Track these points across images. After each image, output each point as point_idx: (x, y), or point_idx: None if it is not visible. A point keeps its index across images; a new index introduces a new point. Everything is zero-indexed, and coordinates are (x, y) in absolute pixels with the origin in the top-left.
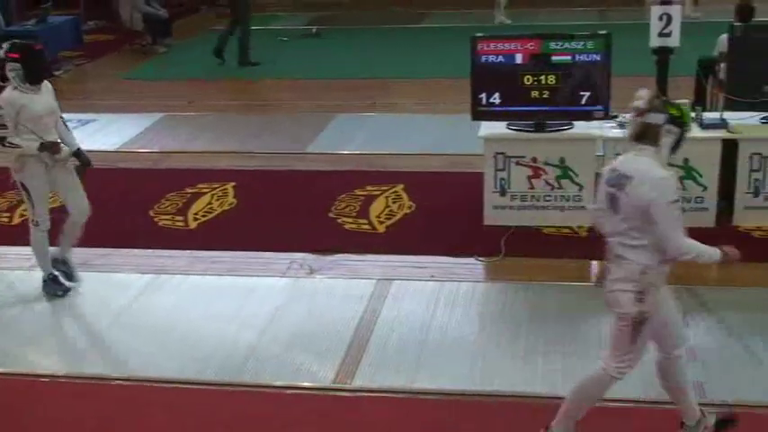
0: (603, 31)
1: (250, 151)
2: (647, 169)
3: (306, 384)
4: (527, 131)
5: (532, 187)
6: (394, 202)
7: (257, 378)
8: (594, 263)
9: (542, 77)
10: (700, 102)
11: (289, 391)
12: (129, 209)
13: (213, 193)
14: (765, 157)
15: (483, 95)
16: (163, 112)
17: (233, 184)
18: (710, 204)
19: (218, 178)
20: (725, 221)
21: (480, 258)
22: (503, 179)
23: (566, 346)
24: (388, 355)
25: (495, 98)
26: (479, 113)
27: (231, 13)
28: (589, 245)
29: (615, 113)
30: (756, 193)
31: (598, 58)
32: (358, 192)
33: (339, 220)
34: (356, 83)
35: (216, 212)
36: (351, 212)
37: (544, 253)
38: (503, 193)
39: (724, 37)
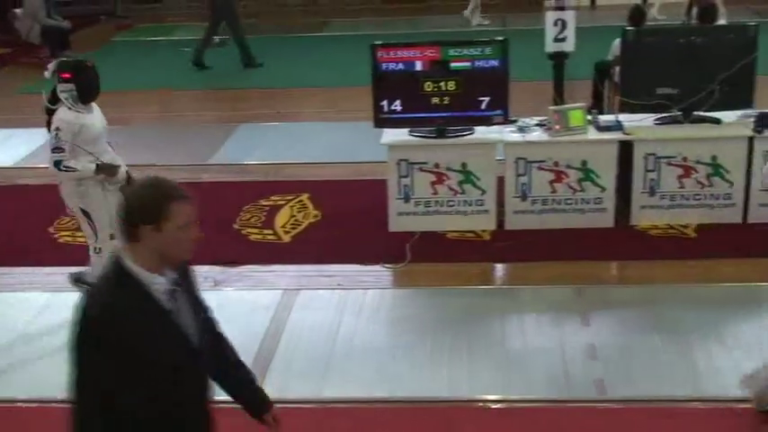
0: (501, 38)
1: (152, 164)
2: None
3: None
4: (429, 138)
5: (436, 193)
6: (299, 212)
7: None
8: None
9: (442, 84)
10: (597, 105)
11: None
12: (29, 226)
13: None
14: (660, 158)
15: (385, 103)
16: None
17: None
18: (609, 205)
19: None
20: (623, 221)
21: (386, 265)
22: (406, 185)
23: (471, 349)
24: (295, 364)
25: (397, 105)
26: (382, 121)
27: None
28: (492, 248)
29: (515, 118)
30: (652, 193)
31: (496, 64)
32: (263, 202)
33: (244, 232)
34: (259, 92)
35: None
36: (256, 223)
37: (449, 257)
38: (407, 199)
39: (617, 41)
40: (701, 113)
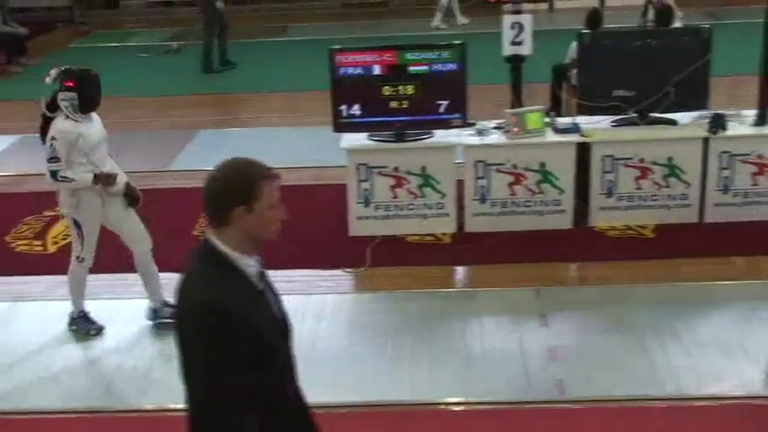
0: (458, 41)
1: None
2: None
3: (172, 406)
4: (388, 142)
5: (395, 197)
6: None
7: (124, 402)
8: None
9: (401, 88)
10: (555, 107)
11: (156, 414)
12: None
13: None
14: (617, 160)
15: (343, 107)
16: (20, 134)
17: None
18: (568, 206)
19: None
20: (581, 222)
21: (347, 270)
22: (366, 190)
23: (432, 352)
24: None
25: (356, 110)
26: (341, 125)
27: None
28: (452, 251)
29: (473, 121)
30: (609, 194)
31: (454, 68)
32: None
33: (203, 238)
34: (219, 97)
35: None
36: None
37: (409, 261)
38: (366, 203)
39: (575, 44)
40: (657, 115)
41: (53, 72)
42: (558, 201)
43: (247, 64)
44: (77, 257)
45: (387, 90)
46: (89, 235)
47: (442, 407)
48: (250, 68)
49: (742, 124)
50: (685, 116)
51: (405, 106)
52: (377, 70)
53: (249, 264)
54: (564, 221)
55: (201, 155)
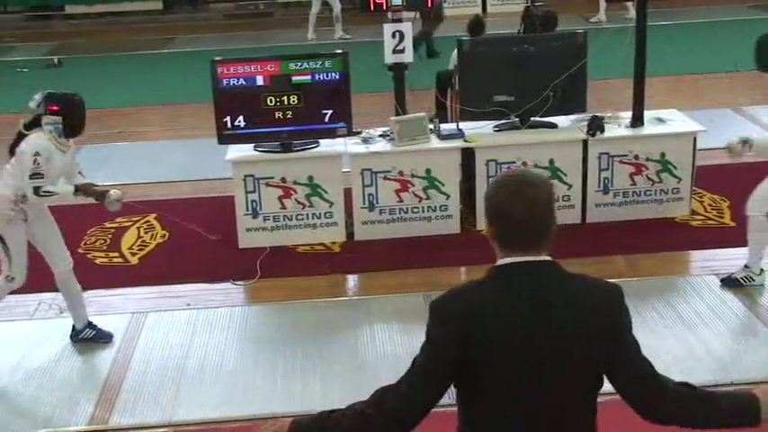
0: (340, 50)
1: None
2: None
3: (61, 429)
4: (274, 152)
5: (284, 207)
6: (146, 233)
7: (8, 426)
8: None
9: (284, 98)
10: (440, 114)
11: None
12: None
13: None
14: (500, 164)
15: (228, 119)
16: None
17: None
18: (454, 211)
19: None
20: (469, 227)
21: (237, 282)
22: (254, 201)
23: (323, 362)
24: (146, 388)
25: (240, 121)
26: (225, 137)
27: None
28: (342, 260)
29: (359, 129)
30: None
31: (337, 77)
32: (108, 224)
33: (89, 256)
34: (102, 112)
35: None
36: (101, 246)
37: (299, 271)
38: (255, 215)
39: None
40: (538, 119)
41: (37, 96)
42: (444, 206)
43: (131, 77)
44: (7, 277)
45: (271, 100)
46: (16, 252)
47: None
48: (133, 82)
49: (619, 126)
50: (565, 119)
51: (289, 116)
52: (260, 81)
53: None
54: (451, 226)
55: (85, 171)
